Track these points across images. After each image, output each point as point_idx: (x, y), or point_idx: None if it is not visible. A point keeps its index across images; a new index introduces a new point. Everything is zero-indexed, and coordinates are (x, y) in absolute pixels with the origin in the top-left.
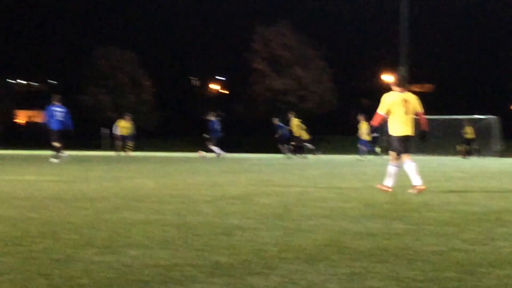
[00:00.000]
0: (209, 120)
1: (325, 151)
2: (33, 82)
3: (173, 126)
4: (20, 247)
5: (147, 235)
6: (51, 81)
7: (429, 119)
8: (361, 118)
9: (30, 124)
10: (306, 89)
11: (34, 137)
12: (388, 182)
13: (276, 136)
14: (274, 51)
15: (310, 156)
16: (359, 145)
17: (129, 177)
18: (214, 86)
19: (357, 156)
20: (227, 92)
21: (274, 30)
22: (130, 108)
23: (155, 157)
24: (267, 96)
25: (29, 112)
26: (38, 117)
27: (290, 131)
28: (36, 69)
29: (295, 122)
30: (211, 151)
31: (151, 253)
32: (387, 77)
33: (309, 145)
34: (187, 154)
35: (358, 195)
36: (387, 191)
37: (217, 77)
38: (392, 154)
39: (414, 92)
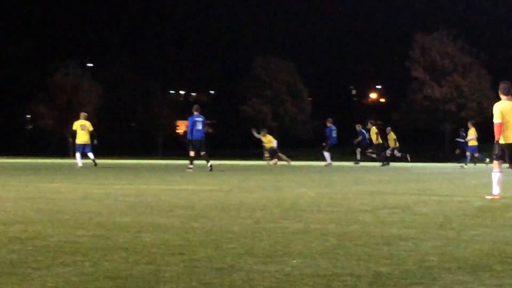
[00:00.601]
0: (326, 126)
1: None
2: (192, 92)
3: None
4: (183, 256)
5: (307, 245)
6: (211, 91)
7: None
8: (470, 124)
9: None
10: (465, 97)
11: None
12: (495, 190)
13: (355, 142)
14: (433, 59)
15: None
16: (467, 152)
17: (288, 186)
18: (372, 95)
19: (463, 164)
20: (384, 100)
21: (433, 38)
22: (288, 117)
23: (314, 166)
24: (425, 105)
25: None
26: None
27: (370, 140)
28: (197, 80)
29: (374, 131)
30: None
31: (311, 262)
32: None
33: (388, 153)
34: (344, 163)
35: None
36: (496, 199)
37: (375, 86)
38: (496, 162)
39: None
